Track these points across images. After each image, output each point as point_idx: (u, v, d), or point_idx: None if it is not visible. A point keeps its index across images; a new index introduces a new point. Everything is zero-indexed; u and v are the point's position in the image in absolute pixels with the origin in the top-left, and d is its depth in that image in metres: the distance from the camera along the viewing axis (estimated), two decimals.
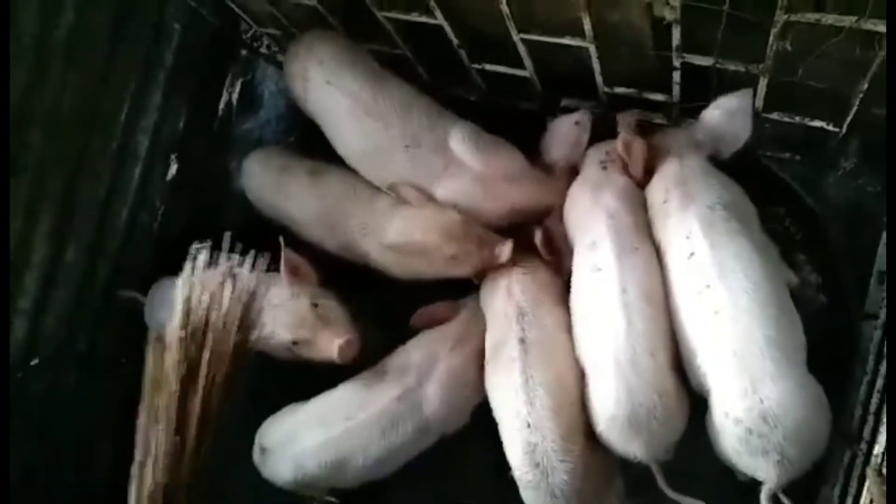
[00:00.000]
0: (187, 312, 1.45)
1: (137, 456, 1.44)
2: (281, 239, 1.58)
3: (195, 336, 1.47)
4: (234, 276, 1.48)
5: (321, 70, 1.60)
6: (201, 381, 1.45)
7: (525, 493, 1.36)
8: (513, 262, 1.53)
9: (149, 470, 1.42)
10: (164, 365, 1.46)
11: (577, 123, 1.59)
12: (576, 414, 1.35)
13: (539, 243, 1.54)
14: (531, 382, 1.36)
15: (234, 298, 1.47)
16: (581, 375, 1.39)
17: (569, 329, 1.44)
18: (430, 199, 1.58)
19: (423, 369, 1.51)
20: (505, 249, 1.51)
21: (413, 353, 1.54)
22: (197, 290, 1.46)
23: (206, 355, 1.47)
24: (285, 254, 1.57)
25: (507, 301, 1.48)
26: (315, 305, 1.55)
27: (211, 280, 1.48)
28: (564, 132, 1.60)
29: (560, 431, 1.32)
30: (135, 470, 1.43)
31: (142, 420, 1.44)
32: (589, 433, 1.35)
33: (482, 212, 1.56)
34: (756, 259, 1.32)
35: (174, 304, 1.45)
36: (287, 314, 1.54)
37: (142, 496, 1.40)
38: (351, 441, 1.49)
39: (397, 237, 1.56)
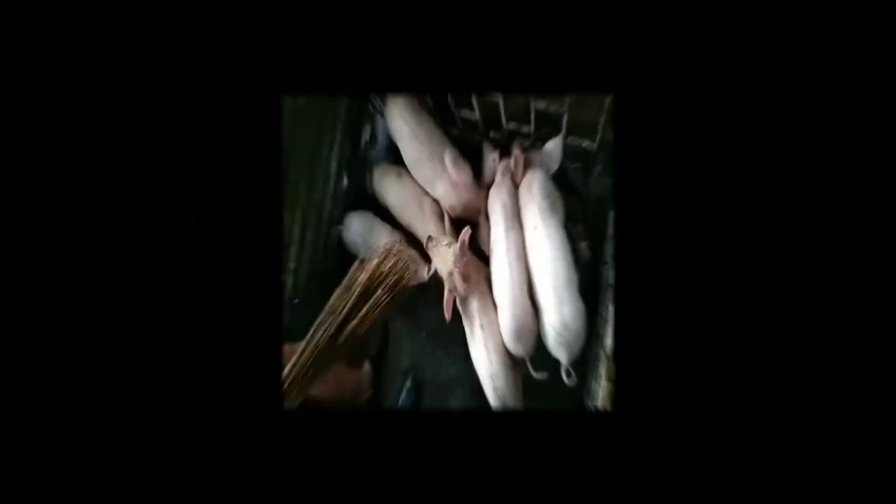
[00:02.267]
0: (385, 255, 1.98)
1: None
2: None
3: (383, 280, 1.93)
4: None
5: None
6: (359, 316, 1.88)
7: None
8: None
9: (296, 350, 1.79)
10: (351, 287, 1.89)
11: (493, 161, 2.30)
12: None
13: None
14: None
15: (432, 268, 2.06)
16: None
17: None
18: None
19: None
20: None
21: None
22: (405, 251, 2.03)
23: (381, 296, 1.92)
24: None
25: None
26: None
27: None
28: (489, 164, 2.32)
29: None
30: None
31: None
32: None
33: (457, 203, 2.26)
34: (561, 231, 2.04)
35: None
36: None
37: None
38: None
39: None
